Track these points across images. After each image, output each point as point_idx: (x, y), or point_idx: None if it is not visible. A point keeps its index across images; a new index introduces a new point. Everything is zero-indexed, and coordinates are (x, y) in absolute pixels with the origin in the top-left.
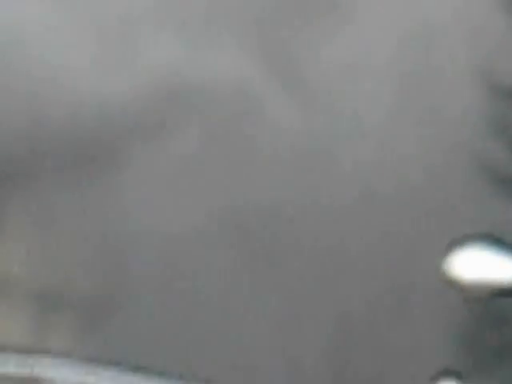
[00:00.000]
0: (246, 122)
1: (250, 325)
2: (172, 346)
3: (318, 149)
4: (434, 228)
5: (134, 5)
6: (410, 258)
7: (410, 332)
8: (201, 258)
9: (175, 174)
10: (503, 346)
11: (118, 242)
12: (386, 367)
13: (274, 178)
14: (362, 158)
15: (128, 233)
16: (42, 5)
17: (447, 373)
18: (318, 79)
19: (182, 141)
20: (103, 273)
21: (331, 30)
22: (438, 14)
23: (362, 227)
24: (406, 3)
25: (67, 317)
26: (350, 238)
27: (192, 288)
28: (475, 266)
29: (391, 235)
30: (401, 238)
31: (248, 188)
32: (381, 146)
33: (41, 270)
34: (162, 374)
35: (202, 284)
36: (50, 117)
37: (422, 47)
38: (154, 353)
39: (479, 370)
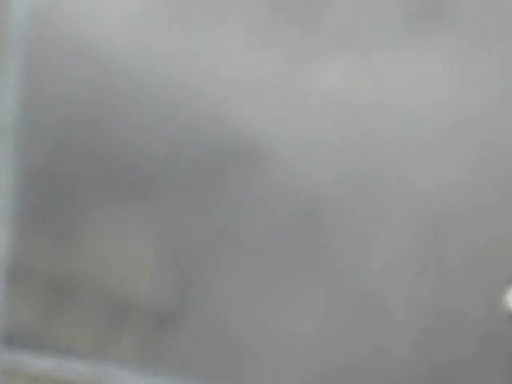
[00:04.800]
0: None
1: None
2: (242, 358)
3: None
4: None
5: None
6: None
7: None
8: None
9: None
10: None
11: (191, 252)
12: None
13: None
14: None
15: (203, 244)
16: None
17: None
18: None
19: None
20: (175, 280)
21: None
22: None
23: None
24: None
25: (135, 323)
26: None
27: (267, 297)
28: None
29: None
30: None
31: None
32: None
33: (112, 274)
34: None
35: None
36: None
37: None
38: (223, 364)
39: None
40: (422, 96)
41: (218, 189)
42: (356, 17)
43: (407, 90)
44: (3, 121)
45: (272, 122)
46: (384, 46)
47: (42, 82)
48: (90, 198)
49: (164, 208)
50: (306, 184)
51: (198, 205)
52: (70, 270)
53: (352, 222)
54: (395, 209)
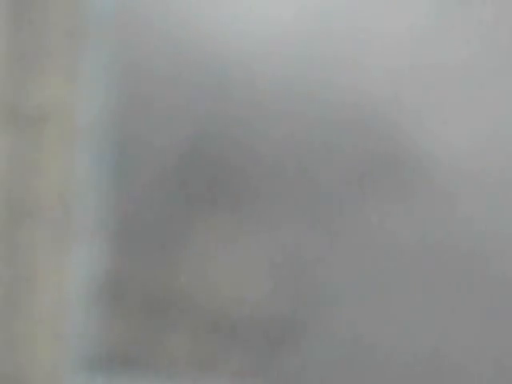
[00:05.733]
0: None
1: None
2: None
3: None
4: None
5: None
6: None
7: None
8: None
9: None
10: None
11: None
12: None
13: None
14: None
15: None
16: None
17: None
18: None
19: None
20: (288, 295)
21: None
22: None
23: None
24: None
25: (244, 342)
26: None
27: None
28: None
29: None
30: None
31: None
32: None
33: (217, 290)
34: None
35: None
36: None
37: None
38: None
39: None
40: None
41: (362, 202)
42: None
43: None
44: (94, 128)
45: (455, 131)
46: None
47: (140, 84)
48: (193, 209)
49: (285, 219)
50: (476, 218)
51: (330, 218)
52: (172, 286)
53: None
54: None
